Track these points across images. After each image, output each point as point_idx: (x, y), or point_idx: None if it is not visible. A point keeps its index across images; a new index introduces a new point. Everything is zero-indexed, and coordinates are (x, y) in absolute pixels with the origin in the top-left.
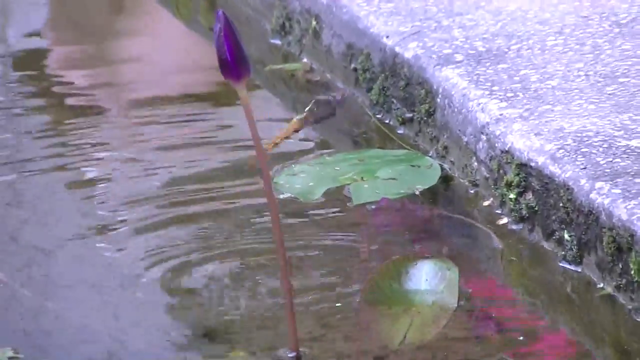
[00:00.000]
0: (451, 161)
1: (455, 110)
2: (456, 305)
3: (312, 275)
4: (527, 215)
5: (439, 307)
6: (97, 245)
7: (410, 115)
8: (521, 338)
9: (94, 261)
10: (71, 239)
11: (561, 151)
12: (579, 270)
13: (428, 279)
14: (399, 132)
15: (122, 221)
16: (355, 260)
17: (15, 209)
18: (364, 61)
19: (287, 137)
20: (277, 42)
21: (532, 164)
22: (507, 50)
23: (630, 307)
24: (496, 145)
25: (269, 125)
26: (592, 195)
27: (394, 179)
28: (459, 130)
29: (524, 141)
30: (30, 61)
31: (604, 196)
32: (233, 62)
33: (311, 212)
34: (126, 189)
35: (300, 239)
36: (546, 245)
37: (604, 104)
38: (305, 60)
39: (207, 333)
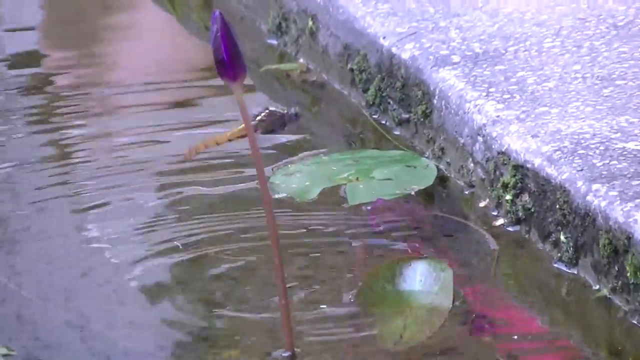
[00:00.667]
0: (447, 162)
1: (452, 111)
2: (451, 306)
3: (307, 275)
4: (523, 216)
5: (433, 307)
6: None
7: (407, 116)
8: (515, 338)
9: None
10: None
11: (558, 153)
12: (575, 272)
13: (422, 279)
14: (395, 132)
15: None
16: (350, 260)
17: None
18: (361, 62)
19: (229, 140)
20: (274, 42)
21: (529, 166)
22: (504, 51)
23: (626, 309)
24: (493, 146)
25: None
26: (589, 197)
27: (389, 179)
28: (456, 131)
29: (521, 143)
30: (23, 60)
31: (601, 198)
32: (229, 62)
33: (306, 211)
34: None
35: (295, 239)
36: (542, 247)
37: (600, 106)
38: (301, 60)
39: (200, 332)
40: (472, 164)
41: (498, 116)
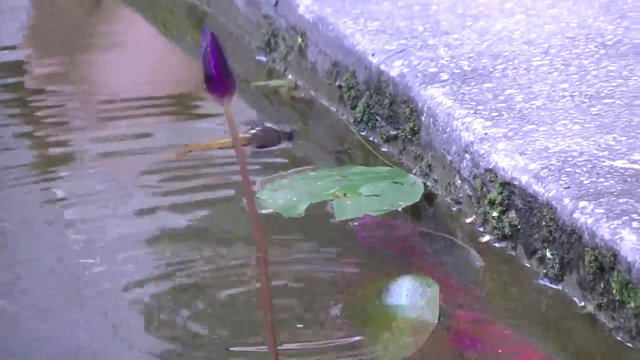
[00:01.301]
0: (435, 179)
1: (440, 128)
2: (436, 321)
3: (293, 291)
4: (509, 233)
5: (419, 323)
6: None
7: (395, 133)
8: (500, 354)
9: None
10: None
11: (545, 170)
12: (560, 288)
13: (409, 295)
14: (383, 149)
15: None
16: (337, 276)
17: None
18: (349, 79)
19: (222, 147)
20: (262, 58)
21: (516, 183)
22: (492, 69)
23: (611, 326)
24: (480, 163)
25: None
26: (575, 215)
27: (377, 195)
28: (443, 148)
29: (508, 160)
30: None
31: (587, 215)
32: (219, 79)
33: (293, 227)
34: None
35: (282, 254)
36: (528, 263)
37: (588, 124)
38: (290, 77)
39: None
40: (459, 181)
41: (486, 134)
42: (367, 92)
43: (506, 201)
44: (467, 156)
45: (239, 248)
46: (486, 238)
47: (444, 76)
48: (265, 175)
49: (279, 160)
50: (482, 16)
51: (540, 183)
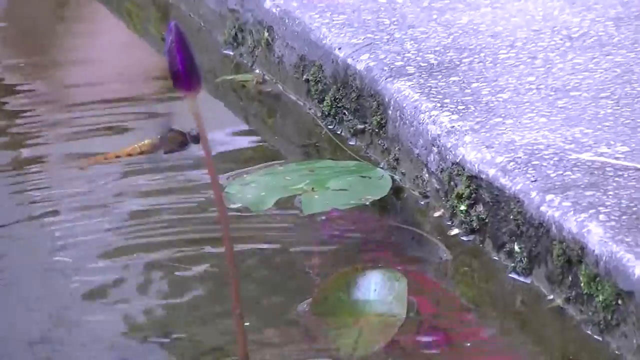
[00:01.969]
0: (402, 173)
1: (407, 122)
2: (405, 316)
3: (261, 285)
4: (477, 227)
5: (387, 317)
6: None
7: (362, 126)
8: (468, 347)
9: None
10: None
11: (512, 164)
12: (529, 281)
13: (377, 289)
14: (350, 143)
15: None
16: (304, 271)
17: None
18: (316, 72)
19: (129, 155)
20: (230, 52)
21: (483, 176)
22: (458, 63)
23: (579, 319)
24: (447, 157)
25: (219, 136)
26: (543, 208)
27: (344, 189)
28: (411, 142)
29: (475, 153)
30: None
31: (555, 209)
32: (184, 73)
33: (261, 222)
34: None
35: (249, 248)
36: (496, 257)
37: (555, 117)
38: (257, 71)
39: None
40: (426, 175)
41: (452, 127)
42: (334, 86)
43: (474, 195)
44: (434, 149)
45: (207, 244)
46: (454, 232)
47: (411, 70)
48: (233, 170)
49: (247, 154)
50: (448, 9)
51: (507, 176)
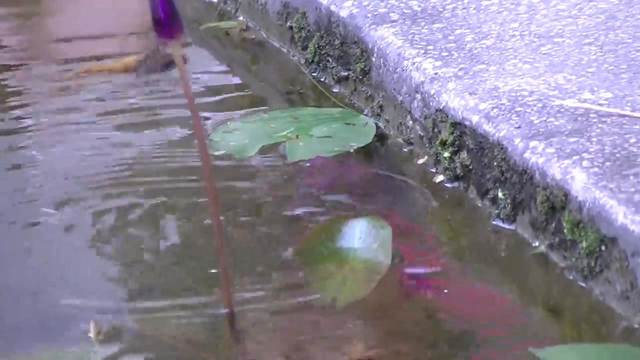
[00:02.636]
0: (386, 120)
1: (390, 69)
2: (389, 263)
3: (245, 233)
4: (461, 173)
5: (372, 265)
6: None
7: (346, 73)
8: (451, 295)
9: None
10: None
11: (495, 110)
12: (513, 228)
13: (362, 237)
14: (334, 90)
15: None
16: (289, 218)
17: None
18: (300, 19)
19: (111, 70)
20: (213, 0)
21: (467, 123)
22: (442, 9)
23: (563, 265)
24: (431, 104)
25: (204, 81)
26: (526, 155)
27: (328, 136)
28: (394, 89)
29: (458, 100)
30: None
31: (538, 155)
32: (166, 21)
33: (245, 169)
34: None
35: (233, 196)
36: (481, 203)
37: (538, 63)
38: (241, 18)
39: (137, 289)
40: (410, 122)
41: (436, 74)
42: (318, 33)
43: (457, 141)
44: (418, 96)
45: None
46: (439, 179)
47: (394, 16)
48: (216, 118)
49: (231, 102)
50: None
51: (490, 123)
